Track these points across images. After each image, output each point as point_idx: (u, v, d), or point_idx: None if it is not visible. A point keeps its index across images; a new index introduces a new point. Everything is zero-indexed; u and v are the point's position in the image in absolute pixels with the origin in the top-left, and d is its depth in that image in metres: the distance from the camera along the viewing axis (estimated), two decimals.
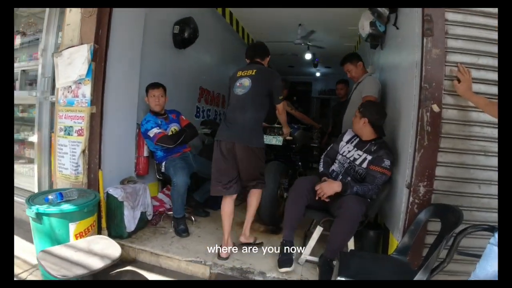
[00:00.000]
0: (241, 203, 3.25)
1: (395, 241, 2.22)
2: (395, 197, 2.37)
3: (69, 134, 2.61)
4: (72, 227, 2.15)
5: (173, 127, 3.14)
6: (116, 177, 2.89)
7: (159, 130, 2.93)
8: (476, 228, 1.59)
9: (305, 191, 2.38)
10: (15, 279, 2.13)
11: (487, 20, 1.94)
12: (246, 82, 2.49)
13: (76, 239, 2.16)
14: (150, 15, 3.15)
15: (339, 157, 2.56)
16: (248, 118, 2.46)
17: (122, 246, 2.56)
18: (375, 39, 3.12)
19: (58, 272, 1.70)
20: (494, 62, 1.94)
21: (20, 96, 3.15)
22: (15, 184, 3.27)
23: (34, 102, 3.03)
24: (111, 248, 2.01)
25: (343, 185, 2.28)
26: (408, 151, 2.11)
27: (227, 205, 2.58)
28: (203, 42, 4.23)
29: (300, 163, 4.15)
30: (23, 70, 3.24)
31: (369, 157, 2.37)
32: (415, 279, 1.59)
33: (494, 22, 1.92)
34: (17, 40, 3.28)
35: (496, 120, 1.71)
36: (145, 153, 3.19)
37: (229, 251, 2.53)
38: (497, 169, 1.97)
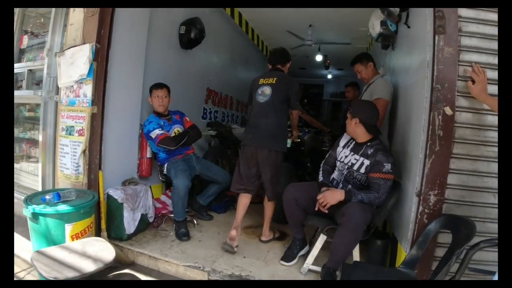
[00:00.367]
0: (260, 201, 3.27)
1: (403, 252, 2.10)
2: (404, 205, 2.24)
3: (70, 134, 2.59)
4: (68, 228, 2.11)
5: (176, 129, 3.09)
6: (118, 178, 2.86)
7: (161, 132, 2.89)
8: (491, 243, 1.46)
9: (293, 200, 2.40)
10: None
11: None
12: (267, 90, 2.69)
13: (72, 240, 2.12)
14: (155, 14, 3.12)
15: (338, 163, 2.45)
16: (269, 124, 2.66)
17: (121, 248, 2.55)
18: (386, 39, 3.00)
19: (49, 273, 1.69)
20: None
21: (26, 95, 3.17)
22: (22, 183, 3.31)
23: (40, 102, 3.04)
24: (105, 251, 1.97)
25: (346, 194, 2.17)
26: (418, 157, 1.99)
27: (244, 199, 2.81)
28: (211, 42, 4.19)
29: (309, 165, 4.32)
30: (30, 70, 3.25)
31: (366, 162, 2.24)
32: None
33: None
34: (25, 40, 3.31)
35: None
36: (148, 154, 3.16)
37: (237, 233, 2.70)
38: None
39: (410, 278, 1.78)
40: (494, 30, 1.82)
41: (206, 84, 4.56)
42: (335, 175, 2.47)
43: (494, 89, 1.79)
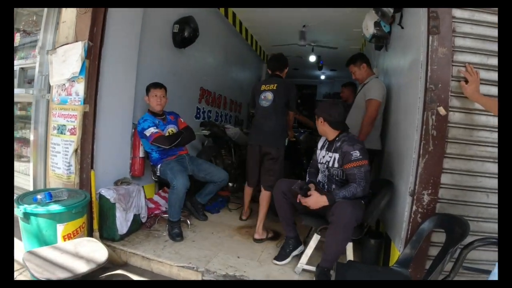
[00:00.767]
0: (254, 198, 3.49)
1: (397, 251, 2.11)
2: (397, 204, 2.26)
3: (62, 133, 2.55)
4: (60, 228, 2.08)
5: (170, 129, 3.07)
6: (110, 177, 2.82)
7: (156, 130, 2.86)
8: (484, 241, 1.47)
9: (281, 193, 2.49)
10: None
11: (496, 18, 1.82)
12: (269, 95, 3.04)
13: (64, 240, 2.10)
14: (148, 13, 3.09)
15: (319, 165, 2.53)
16: (272, 124, 3.01)
17: (113, 249, 2.52)
18: (380, 40, 3.02)
19: (42, 274, 1.67)
20: None
21: (18, 94, 3.10)
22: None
23: (32, 100, 2.99)
24: (98, 251, 1.95)
25: (328, 198, 2.22)
26: (412, 157, 2.01)
27: (248, 189, 3.33)
28: (205, 42, 4.17)
29: (305, 162, 4.68)
30: (22, 68, 3.20)
31: (336, 156, 2.33)
32: None
33: None
34: (17, 38, 3.25)
35: None
36: (141, 154, 3.12)
37: (248, 215, 3.43)
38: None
39: (404, 277, 1.79)
40: (488, 31, 1.84)
41: (200, 84, 4.52)
42: (320, 177, 2.54)
43: (487, 89, 1.83)
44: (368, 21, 2.95)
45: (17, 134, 3.33)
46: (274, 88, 3.04)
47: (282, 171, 3.10)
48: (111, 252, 2.31)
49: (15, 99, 3.21)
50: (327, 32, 5.56)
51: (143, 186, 3.01)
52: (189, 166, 3.07)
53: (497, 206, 1.86)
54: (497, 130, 1.85)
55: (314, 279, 2.25)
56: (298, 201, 2.36)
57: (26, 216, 2.03)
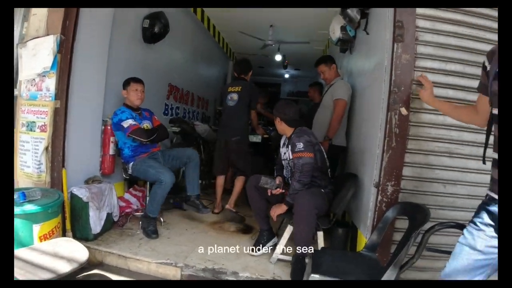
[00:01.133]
0: (231, 187, 3.82)
1: (364, 238, 2.30)
2: (362, 196, 2.45)
3: (31, 130, 2.44)
4: (36, 228, 2.02)
5: (146, 124, 3.02)
6: (80, 176, 2.74)
7: (134, 122, 2.81)
8: (444, 225, 1.68)
9: (254, 188, 2.66)
10: None
11: (456, 28, 2.05)
12: (235, 96, 3.57)
13: (41, 241, 2.04)
14: (119, 8, 3.01)
15: (283, 162, 2.72)
16: (237, 121, 3.55)
17: (87, 248, 2.44)
18: (345, 43, 3.22)
19: (24, 276, 1.62)
20: (462, 68, 2.07)
21: None
22: None
23: None
24: (77, 251, 1.93)
25: (285, 202, 2.46)
26: (376, 152, 2.19)
27: (220, 180, 3.71)
28: (174, 38, 4.13)
29: (276, 157, 4.82)
30: None
31: (289, 149, 2.54)
32: (385, 275, 1.65)
33: (463, 30, 2.04)
34: None
35: (462, 123, 1.83)
36: (111, 151, 3.05)
37: (220, 209, 3.63)
38: (461, 169, 2.10)
39: (372, 260, 1.97)
40: (447, 40, 2.05)
41: (168, 80, 4.47)
42: (284, 172, 2.75)
43: (446, 92, 2.04)
44: (335, 25, 3.14)
45: None
46: (239, 90, 3.56)
47: (249, 162, 3.61)
48: None
49: None
50: (292, 32, 5.70)
51: (113, 184, 2.96)
52: (162, 160, 3.06)
53: (452, 195, 2.12)
54: (454, 128, 2.07)
55: (289, 267, 2.39)
56: (269, 194, 2.57)
57: None
